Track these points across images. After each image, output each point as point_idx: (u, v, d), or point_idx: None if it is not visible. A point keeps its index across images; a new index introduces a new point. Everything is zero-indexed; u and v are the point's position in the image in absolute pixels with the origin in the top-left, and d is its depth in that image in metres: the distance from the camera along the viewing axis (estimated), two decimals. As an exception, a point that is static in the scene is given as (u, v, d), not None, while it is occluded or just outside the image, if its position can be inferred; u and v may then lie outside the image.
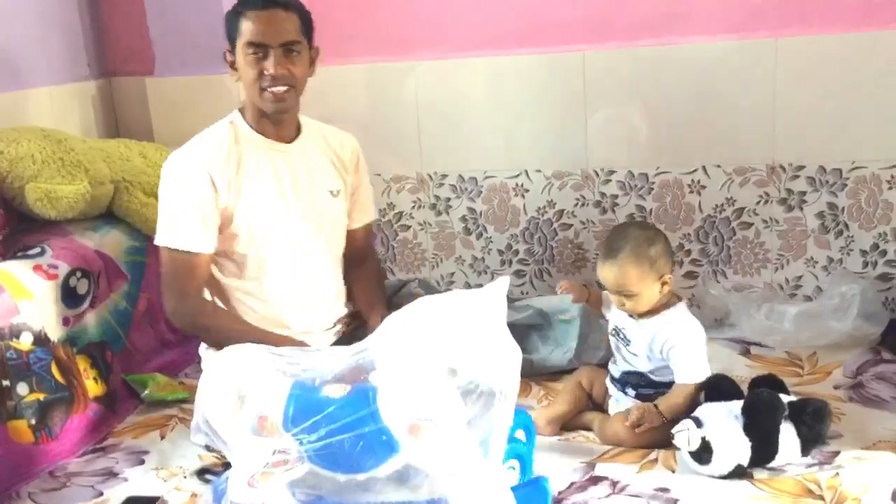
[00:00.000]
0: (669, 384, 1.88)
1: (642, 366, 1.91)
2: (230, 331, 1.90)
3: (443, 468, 1.40)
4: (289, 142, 2.02)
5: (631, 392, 1.93)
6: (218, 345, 1.84)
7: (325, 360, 1.50)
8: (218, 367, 1.54)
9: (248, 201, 1.96)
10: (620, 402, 1.96)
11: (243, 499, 1.41)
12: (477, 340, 1.43)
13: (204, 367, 1.96)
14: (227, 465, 1.71)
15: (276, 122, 1.99)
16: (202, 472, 1.89)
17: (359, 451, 1.37)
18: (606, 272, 1.85)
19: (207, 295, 2.03)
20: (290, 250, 2.02)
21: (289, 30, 1.89)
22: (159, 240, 1.95)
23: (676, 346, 1.84)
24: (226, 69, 2.69)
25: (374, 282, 2.20)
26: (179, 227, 1.92)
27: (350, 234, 2.18)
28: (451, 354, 1.43)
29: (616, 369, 1.97)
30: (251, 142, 1.98)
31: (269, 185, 1.98)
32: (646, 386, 1.91)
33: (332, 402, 1.41)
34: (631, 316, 1.90)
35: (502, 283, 1.49)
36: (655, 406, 1.82)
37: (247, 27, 1.87)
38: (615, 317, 1.95)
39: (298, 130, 2.05)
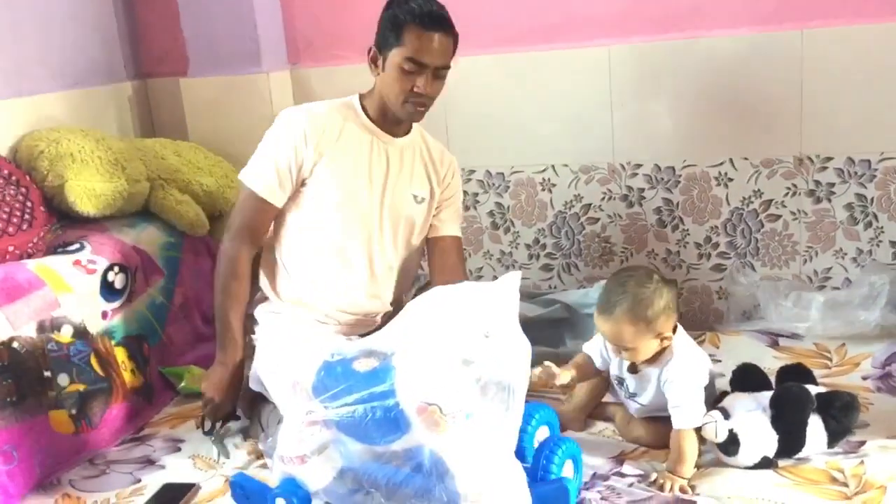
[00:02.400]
0: None
1: (650, 406, 1.86)
2: (223, 294, 2.00)
3: (453, 455, 1.45)
4: (396, 137, 2.06)
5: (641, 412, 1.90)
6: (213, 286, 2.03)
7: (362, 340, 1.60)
8: (272, 331, 1.72)
9: (338, 178, 2.00)
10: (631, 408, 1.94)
11: (287, 450, 1.58)
12: (489, 332, 1.47)
13: (259, 326, 2.08)
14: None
15: (395, 122, 2.04)
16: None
17: (373, 424, 1.47)
18: (603, 325, 1.77)
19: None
20: (364, 239, 2.04)
21: (446, 54, 1.94)
22: (245, 175, 2.02)
23: (678, 384, 1.76)
24: (257, 68, 2.78)
25: None
26: (258, 171, 2.00)
27: (440, 243, 2.17)
28: (465, 344, 1.47)
29: (621, 396, 1.93)
30: (361, 125, 2.03)
31: (362, 169, 2.02)
32: (655, 410, 1.85)
33: (356, 374, 1.51)
34: (630, 371, 1.85)
35: (514, 277, 1.52)
36: (671, 471, 1.72)
37: (412, 42, 1.89)
38: (618, 371, 1.89)
39: (409, 130, 2.09)
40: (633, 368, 1.84)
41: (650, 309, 1.73)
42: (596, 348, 1.93)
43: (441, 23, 1.91)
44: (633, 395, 1.87)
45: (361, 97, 2.07)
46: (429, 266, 2.24)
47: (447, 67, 1.96)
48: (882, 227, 2.44)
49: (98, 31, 2.79)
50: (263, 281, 2.11)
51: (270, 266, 2.10)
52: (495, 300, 1.51)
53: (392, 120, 2.03)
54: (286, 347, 1.71)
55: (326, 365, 1.57)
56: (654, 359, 1.80)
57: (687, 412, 1.74)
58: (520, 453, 1.60)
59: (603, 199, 2.66)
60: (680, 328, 1.83)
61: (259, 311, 2.09)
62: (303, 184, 2.01)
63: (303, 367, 1.58)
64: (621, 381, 1.89)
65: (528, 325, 1.98)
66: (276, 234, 2.08)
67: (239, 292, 2.02)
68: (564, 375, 1.84)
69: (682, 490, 1.66)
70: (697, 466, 1.73)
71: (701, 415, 1.74)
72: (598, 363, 1.93)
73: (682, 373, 1.77)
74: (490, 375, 1.47)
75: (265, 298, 2.10)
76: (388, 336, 1.55)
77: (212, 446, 1.99)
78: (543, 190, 2.71)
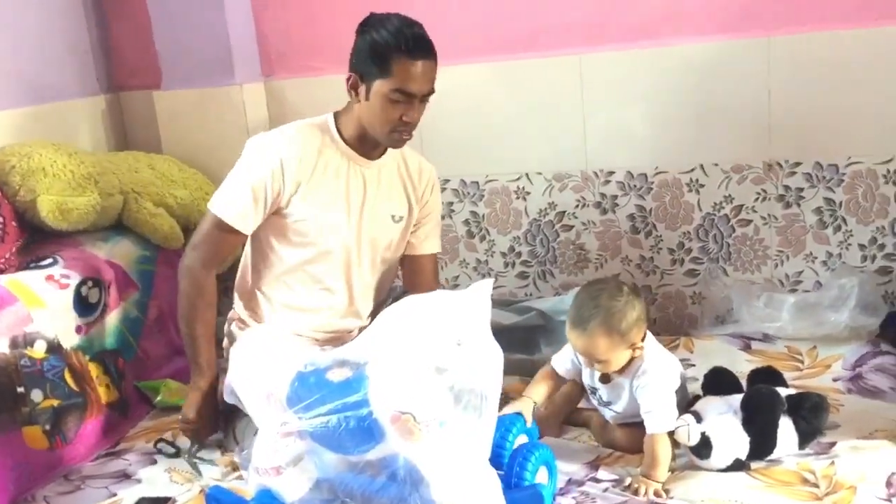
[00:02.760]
0: None
1: (624, 413, 1.88)
2: (189, 317, 2.01)
3: (428, 464, 1.46)
4: (372, 160, 2.03)
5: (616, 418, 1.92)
6: (178, 314, 2.04)
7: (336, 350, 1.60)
8: (246, 343, 1.72)
9: (317, 206, 1.97)
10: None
11: (262, 462, 1.58)
12: (461, 340, 1.48)
13: (230, 341, 2.08)
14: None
15: (374, 146, 2.01)
16: (158, 441, 2.07)
17: (347, 433, 1.47)
18: (575, 340, 1.78)
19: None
20: (343, 263, 2.03)
21: (433, 79, 1.91)
22: (213, 204, 1.98)
23: (650, 389, 1.78)
24: (230, 81, 2.77)
25: None
26: (230, 199, 1.94)
27: (417, 261, 2.17)
28: (438, 353, 1.48)
29: (594, 402, 1.94)
30: (336, 149, 1.99)
31: (339, 195, 1.99)
32: (629, 425, 1.87)
33: (329, 385, 1.51)
34: (602, 381, 1.86)
35: (486, 285, 1.53)
36: (646, 476, 1.73)
37: (399, 73, 1.84)
38: (591, 382, 1.90)
39: (384, 150, 2.05)
40: (606, 378, 1.86)
41: (624, 321, 1.75)
42: (566, 359, 1.93)
43: (425, 47, 1.87)
44: (607, 404, 1.89)
45: (336, 118, 2.02)
46: (403, 281, 2.25)
47: (433, 92, 1.93)
48: (851, 231, 2.48)
49: (70, 44, 2.78)
50: (238, 304, 2.10)
51: (246, 291, 2.09)
52: (467, 308, 1.52)
53: (371, 144, 1.99)
54: (260, 359, 1.71)
55: (300, 375, 1.57)
56: (626, 368, 1.82)
57: (659, 417, 1.75)
58: (497, 461, 1.62)
59: (577, 206, 2.68)
60: (649, 335, 1.85)
61: (234, 327, 2.09)
62: (277, 212, 1.98)
63: (276, 379, 1.59)
64: (594, 391, 1.91)
65: (504, 332, 2.02)
66: (253, 260, 2.08)
67: (207, 315, 2.01)
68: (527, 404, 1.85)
69: (656, 494, 1.68)
70: (671, 470, 1.75)
71: (673, 419, 1.75)
72: (568, 373, 1.94)
73: (654, 379, 1.79)
74: (463, 383, 1.48)
75: (239, 318, 2.10)
76: (362, 346, 1.56)
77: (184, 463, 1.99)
78: (518, 198, 2.73)
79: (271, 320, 2.06)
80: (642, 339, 1.81)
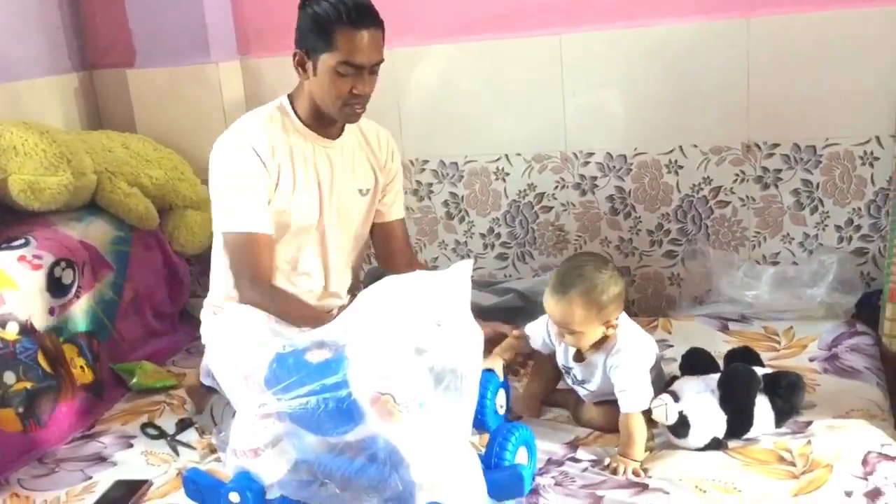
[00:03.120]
0: None
1: (598, 392, 1.88)
2: (300, 318, 1.80)
3: (408, 444, 1.46)
4: (334, 138, 2.00)
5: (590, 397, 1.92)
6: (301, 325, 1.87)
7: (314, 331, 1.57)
8: (223, 325, 1.67)
9: (289, 191, 1.93)
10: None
11: (240, 444, 1.56)
12: (441, 321, 1.48)
13: (205, 328, 2.04)
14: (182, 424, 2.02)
15: (331, 122, 1.97)
16: (146, 426, 2.06)
17: (326, 415, 1.45)
18: (553, 306, 1.77)
19: None
20: (317, 245, 2.02)
21: (380, 48, 1.85)
22: (221, 226, 1.92)
23: (624, 368, 1.78)
24: (205, 59, 2.74)
25: None
26: (238, 210, 1.88)
27: (387, 228, 2.16)
28: (418, 333, 1.47)
29: (569, 382, 1.94)
30: (298, 133, 1.95)
31: (310, 178, 1.96)
32: (603, 403, 1.87)
33: (308, 366, 1.49)
34: (576, 360, 1.87)
35: (465, 266, 1.52)
36: (623, 455, 1.74)
37: (344, 45, 1.80)
38: (565, 361, 1.90)
39: (342, 128, 2.02)
40: (579, 357, 1.86)
41: (605, 295, 1.75)
42: (539, 333, 1.93)
43: (368, 15, 1.82)
44: (581, 383, 1.89)
45: (291, 100, 1.97)
46: (375, 251, 2.23)
47: (382, 61, 1.89)
48: (827, 212, 2.49)
49: (41, 21, 2.73)
50: (216, 293, 2.06)
51: (222, 281, 2.04)
52: (447, 289, 1.51)
53: (327, 121, 1.96)
54: (238, 340, 1.68)
55: (278, 357, 1.55)
56: (599, 345, 1.82)
57: (633, 396, 1.76)
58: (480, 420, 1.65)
59: (556, 187, 2.67)
60: (623, 314, 1.85)
61: (211, 313, 2.07)
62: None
63: (255, 360, 1.57)
64: (568, 371, 1.91)
65: (483, 313, 2.00)
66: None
67: (298, 305, 1.91)
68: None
69: (634, 473, 1.68)
70: (650, 449, 1.76)
71: (648, 398, 1.76)
72: (541, 348, 1.94)
73: (627, 358, 1.79)
74: (443, 364, 1.47)
75: (216, 305, 2.07)
76: (341, 327, 1.54)
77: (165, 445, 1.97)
78: (497, 179, 2.72)
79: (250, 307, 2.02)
80: (617, 318, 1.81)
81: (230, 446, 1.60)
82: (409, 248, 2.25)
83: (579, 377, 1.88)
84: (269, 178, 1.90)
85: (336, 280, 2.08)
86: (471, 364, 1.49)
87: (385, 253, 2.19)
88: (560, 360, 1.92)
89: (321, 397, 1.45)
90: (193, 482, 1.66)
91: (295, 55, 1.89)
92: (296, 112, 1.96)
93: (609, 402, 1.84)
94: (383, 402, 1.43)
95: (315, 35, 1.83)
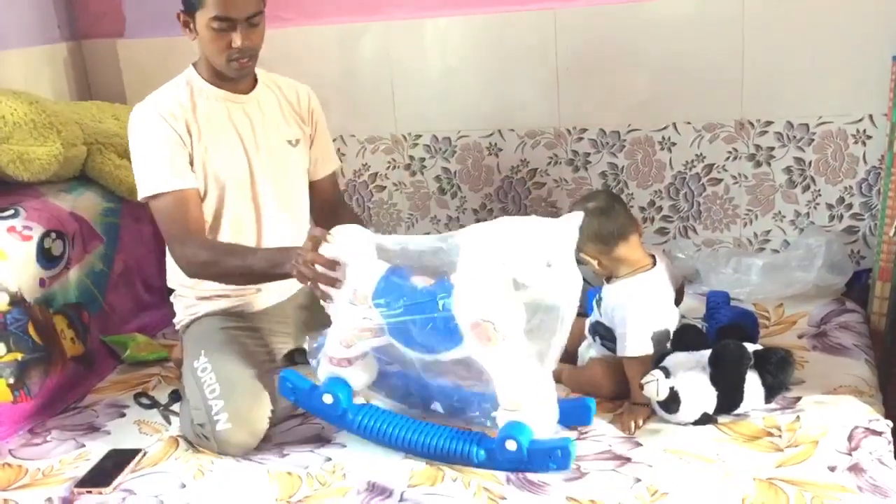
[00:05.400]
0: None
1: (606, 321, 1.94)
2: (236, 268, 1.85)
3: (499, 368, 1.62)
4: (246, 92, 2.03)
5: (598, 340, 1.98)
6: (231, 282, 1.96)
7: (419, 250, 1.69)
8: (336, 242, 1.71)
9: (211, 150, 1.96)
10: (592, 346, 2.00)
11: (336, 352, 1.74)
12: (551, 262, 1.61)
13: (177, 311, 2.07)
14: (175, 395, 2.05)
15: (235, 79, 1.99)
16: (139, 396, 2.09)
17: (427, 333, 1.62)
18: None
19: None
20: (250, 201, 2.02)
21: (252, 2, 1.88)
22: (143, 192, 1.93)
23: (624, 315, 1.85)
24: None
25: None
26: (157, 171, 1.91)
27: (317, 186, 2.19)
28: (526, 270, 1.60)
29: (591, 318, 2.01)
30: (208, 94, 1.99)
31: (230, 134, 1.99)
32: (608, 339, 1.93)
33: (414, 287, 1.65)
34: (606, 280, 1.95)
35: (577, 216, 1.66)
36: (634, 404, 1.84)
37: (211, 0, 1.85)
38: (589, 275, 1.96)
39: (254, 83, 2.05)
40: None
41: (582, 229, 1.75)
42: None
43: None
44: (601, 301, 1.95)
45: (195, 66, 2.01)
46: (312, 211, 2.21)
47: (259, 13, 1.90)
48: (819, 191, 2.50)
49: (30, -11, 2.69)
50: (172, 275, 2.07)
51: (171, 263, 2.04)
52: (558, 234, 1.63)
53: (229, 77, 1.98)
54: (350, 258, 1.68)
55: (388, 273, 1.67)
56: (616, 276, 1.91)
57: (629, 341, 1.84)
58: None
59: (549, 163, 2.67)
60: (646, 274, 1.91)
61: (175, 299, 2.09)
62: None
63: (364, 275, 1.67)
64: (597, 292, 1.99)
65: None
66: None
67: (230, 249, 1.92)
68: None
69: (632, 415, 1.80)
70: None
71: (644, 343, 1.83)
72: None
73: (629, 299, 1.86)
74: (545, 301, 1.61)
75: (175, 292, 2.09)
76: (449, 253, 1.63)
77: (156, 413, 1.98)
78: (490, 154, 2.71)
79: (202, 284, 2.03)
80: (595, 255, 1.89)
81: (325, 353, 1.76)
82: (343, 201, 2.28)
83: (601, 296, 1.95)
84: (181, 141, 1.92)
85: (271, 234, 2.05)
86: (569, 304, 1.62)
87: (316, 207, 2.21)
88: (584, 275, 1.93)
89: (426, 316, 1.60)
90: (289, 381, 1.81)
91: (178, 16, 1.93)
92: (203, 77, 1.99)
93: (611, 357, 1.92)
94: (484, 327, 1.57)
95: None
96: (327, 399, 1.76)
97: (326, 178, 2.21)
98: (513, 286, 1.59)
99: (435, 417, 1.77)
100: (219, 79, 1.99)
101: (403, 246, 1.69)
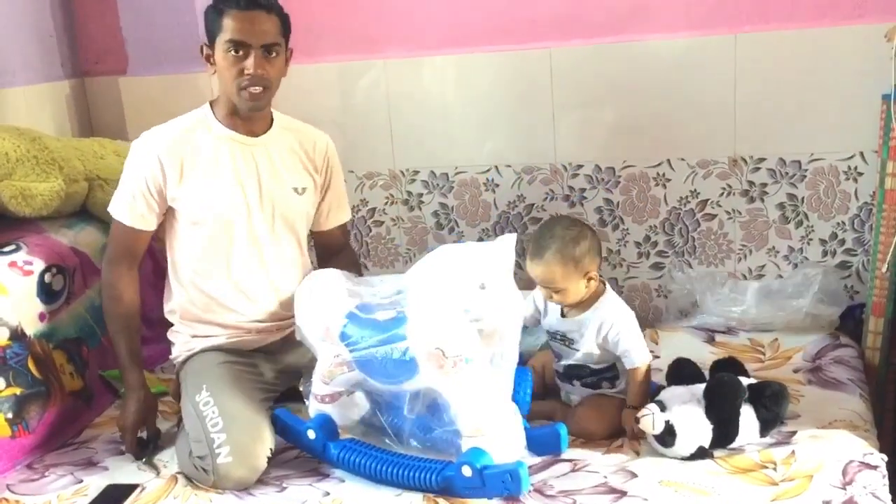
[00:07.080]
0: (608, 369, 1.93)
1: (586, 360, 1.94)
2: (112, 331, 2.05)
3: (455, 394, 1.67)
4: (257, 135, 2.04)
5: (577, 383, 1.97)
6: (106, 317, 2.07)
7: (382, 289, 1.83)
8: (309, 286, 1.90)
9: (206, 187, 1.98)
10: (571, 393, 2.00)
11: (319, 390, 1.83)
12: (484, 284, 1.69)
13: (174, 346, 2.12)
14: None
15: (247, 118, 2.02)
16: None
17: (388, 366, 1.68)
18: (534, 269, 1.88)
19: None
20: (246, 236, 2.03)
21: (269, 31, 1.92)
22: (111, 208, 2.04)
23: (622, 331, 1.88)
24: (198, 67, 2.73)
25: (351, 269, 2.17)
26: (126, 203, 2.00)
27: (326, 235, 2.22)
28: (464, 295, 1.67)
29: (560, 366, 2.00)
30: (216, 133, 2.01)
31: (226, 176, 2.00)
32: (588, 376, 1.94)
33: (376, 323, 1.72)
34: (563, 315, 1.95)
35: (510, 238, 1.74)
36: (632, 407, 1.86)
37: (229, 25, 1.89)
38: (553, 323, 1.97)
39: (270, 125, 2.07)
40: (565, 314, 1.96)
41: (577, 248, 1.85)
42: (528, 305, 2.02)
43: (258, 2, 1.91)
44: (570, 343, 1.94)
45: (212, 104, 2.05)
46: (317, 256, 2.27)
47: (277, 45, 1.94)
48: (812, 226, 2.53)
49: (34, 28, 2.73)
50: (170, 309, 2.12)
51: (169, 292, 2.11)
52: (491, 256, 1.71)
53: (244, 117, 2.01)
54: (319, 298, 1.84)
55: (351, 313, 1.76)
56: (586, 305, 1.92)
57: (635, 353, 1.88)
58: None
59: (545, 199, 2.70)
60: (608, 287, 1.96)
61: (172, 336, 2.13)
62: (170, 211, 2.01)
63: (332, 316, 1.77)
64: (555, 336, 1.98)
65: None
66: (170, 260, 2.08)
67: (121, 312, 2.03)
68: None
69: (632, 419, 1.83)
70: (636, 451, 1.81)
71: (646, 349, 1.89)
72: (528, 320, 2.01)
73: (623, 319, 1.89)
74: (486, 324, 1.67)
75: (175, 330, 2.13)
76: (401, 289, 1.76)
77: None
78: (487, 190, 2.74)
79: (200, 318, 2.07)
80: (597, 272, 1.91)
81: (312, 392, 1.85)
82: (342, 245, 2.30)
83: (568, 336, 1.94)
84: (162, 182, 1.97)
85: (270, 265, 2.07)
86: (511, 324, 1.68)
87: (324, 255, 2.26)
88: (549, 326, 1.99)
89: (385, 349, 1.67)
90: (280, 419, 1.91)
91: (201, 49, 1.98)
92: (215, 114, 2.03)
93: (599, 398, 1.92)
94: (434, 355, 1.63)
95: (211, 22, 1.94)
96: (311, 434, 1.85)
97: (337, 228, 2.23)
98: (463, 312, 1.66)
99: (412, 451, 1.79)
100: (231, 117, 2.01)
101: (369, 284, 1.84)
